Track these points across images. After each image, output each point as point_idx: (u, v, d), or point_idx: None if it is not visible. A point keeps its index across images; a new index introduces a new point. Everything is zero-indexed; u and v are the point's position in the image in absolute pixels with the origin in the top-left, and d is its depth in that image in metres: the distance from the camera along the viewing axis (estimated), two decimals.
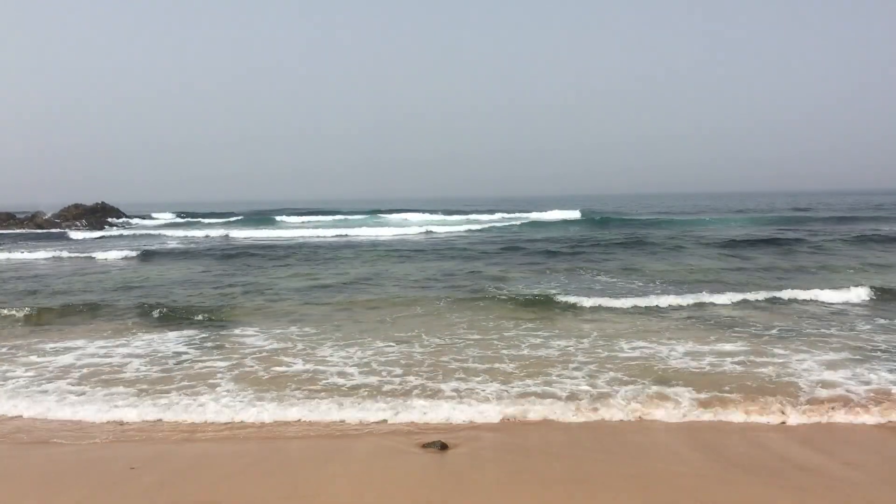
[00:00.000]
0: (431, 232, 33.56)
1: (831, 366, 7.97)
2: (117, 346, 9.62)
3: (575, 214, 49.93)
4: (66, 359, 8.90)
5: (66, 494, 5.02)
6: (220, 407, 6.84)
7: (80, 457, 5.79)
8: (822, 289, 12.74)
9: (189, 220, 54.07)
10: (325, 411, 6.68)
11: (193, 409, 6.83)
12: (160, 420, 6.62)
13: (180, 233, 35.60)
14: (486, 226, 38.10)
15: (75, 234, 35.08)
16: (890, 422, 6.29)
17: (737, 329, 10.07)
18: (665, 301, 12.03)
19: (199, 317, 11.48)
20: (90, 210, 46.02)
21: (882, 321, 10.51)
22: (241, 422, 6.55)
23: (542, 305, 12.04)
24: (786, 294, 12.49)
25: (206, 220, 52.18)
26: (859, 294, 12.17)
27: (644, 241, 24.44)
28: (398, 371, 8.04)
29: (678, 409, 6.58)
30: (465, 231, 34.06)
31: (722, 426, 6.28)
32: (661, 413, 6.50)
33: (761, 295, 12.38)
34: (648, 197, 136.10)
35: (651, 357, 8.53)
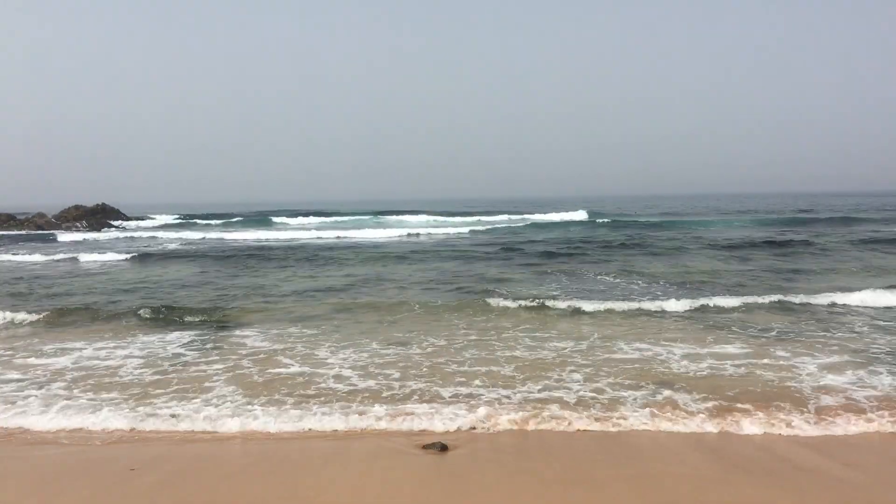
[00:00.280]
0: (433, 233, 33.54)
1: (835, 369, 7.94)
2: (115, 347, 9.62)
3: (580, 216, 49.94)
4: (62, 361, 8.83)
5: (66, 495, 5.02)
6: (202, 419, 6.52)
7: (80, 457, 5.78)
8: (829, 291, 12.59)
9: (189, 221, 54.05)
10: (328, 422, 6.43)
11: (177, 418, 6.55)
12: (133, 429, 6.40)
13: (179, 234, 35.62)
14: (489, 227, 38.07)
15: (73, 236, 35.06)
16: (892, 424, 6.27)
17: (738, 331, 10.06)
18: (668, 303, 11.93)
19: (197, 319, 11.49)
20: (90, 211, 46.05)
21: (884, 323, 10.49)
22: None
23: (544, 308, 11.99)
24: (791, 297, 12.32)
25: (206, 222, 52.15)
26: (864, 298, 11.97)
27: (646, 243, 24.48)
28: (396, 374, 7.95)
29: (691, 419, 6.32)
30: (468, 232, 34.01)
31: (726, 429, 6.25)
32: (669, 426, 6.24)
33: (766, 297, 12.24)
34: (650, 198, 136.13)
35: (652, 360, 8.52)
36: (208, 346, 9.63)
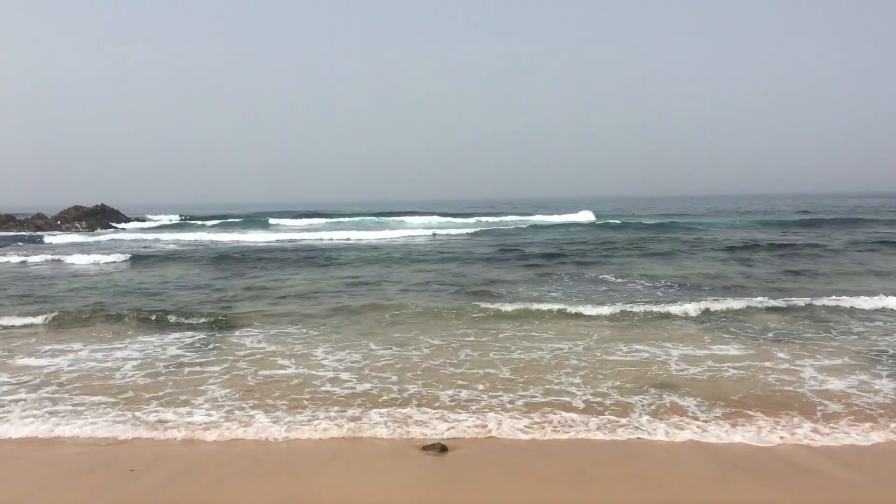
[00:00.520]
0: (434, 235, 33.50)
1: (838, 372, 7.92)
2: (112, 349, 9.60)
3: (583, 217, 49.80)
4: (58, 363, 8.76)
5: (66, 495, 5.03)
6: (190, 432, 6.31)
7: (80, 458, 5.78)
8: (835, 295, 12.43)
9: (189, 222, 54.02)
10: (327, 426, 6.34)
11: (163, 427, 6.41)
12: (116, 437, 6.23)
13: (178, 236, 35.55)
14: (490, 228, 38.00)
15: (72, 238, 35.05)
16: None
17: (740, 334, 10.04)
18: (671, 306, 11.68)
19: (195, 320, 11.42)
20: (90, 212, 46.05)
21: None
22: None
23: (544, 310, 11.85)
24: (796, 299, 12.15)
25: (207, 223, 52.09)
26: (874, 302, 11.77)
27: (648, 244, 24.45)
28: (394, 378, 7.86)
29: (699, 427, 6.18)
30: (469, 234, 33.87)
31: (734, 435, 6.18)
32: (676, 431, 6.11)
33: (769, 300, 12.11)
34: (652, 199, 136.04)
35: (652, 362, 8.51)
36: (207, 347, 9.62)
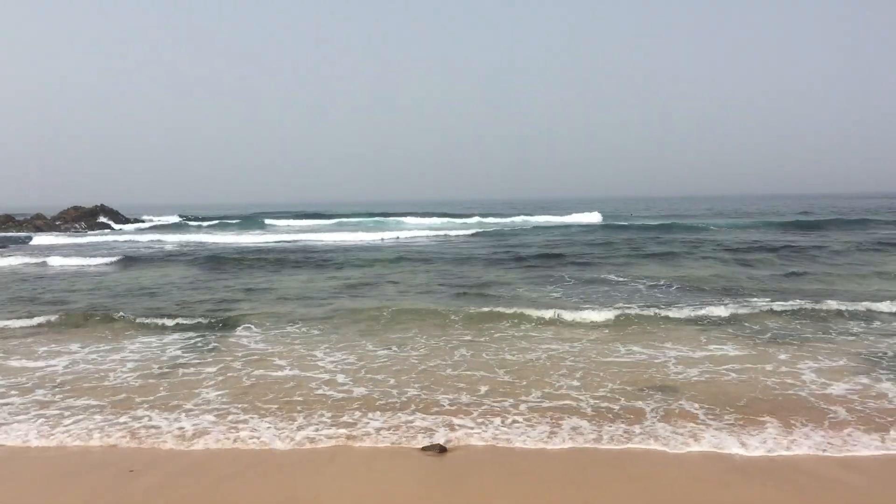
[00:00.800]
0: (434, 235, 33.47)
1: (840, 375, 7.86)
2: (110, 351, 9.58)
3: (588, 218, 49.72)
4: (54, 365, 8.71)
5: (66, 495, 5.02)
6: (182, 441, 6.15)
7: (80, 458, 5.77)
8: (837, 297, 12.32)
9: (188, 223, 53.98)
10: (325, 429, 6.27)
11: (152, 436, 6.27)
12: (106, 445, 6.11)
13: (178, 237, 35.49)
14: (491, 229, 37.91)
15: (71, 238, 35.00)
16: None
17: (738, 335, 10.01)
18: (672, 309, 11.56)
19: (193, 321, 11.38)
20: (89, 212, 46.06)
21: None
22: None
23: (544, 311, 11.83)
24: (796, 300, 12.08)
25: (207, 223, 52.06)
26: (883, 307, 11.54)
27: (649, 245, 24.41)
28: (392, 381, 7.78)
29: (704, 433, 6.07)
30: (470, 234, 33.83)
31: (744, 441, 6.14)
32: (683, 439, 5.95)
33: (771, 302, 12.02)
34: (654, 199, 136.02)
35: (651, 364, 8.48)
36: (206, 348, 9.60)
